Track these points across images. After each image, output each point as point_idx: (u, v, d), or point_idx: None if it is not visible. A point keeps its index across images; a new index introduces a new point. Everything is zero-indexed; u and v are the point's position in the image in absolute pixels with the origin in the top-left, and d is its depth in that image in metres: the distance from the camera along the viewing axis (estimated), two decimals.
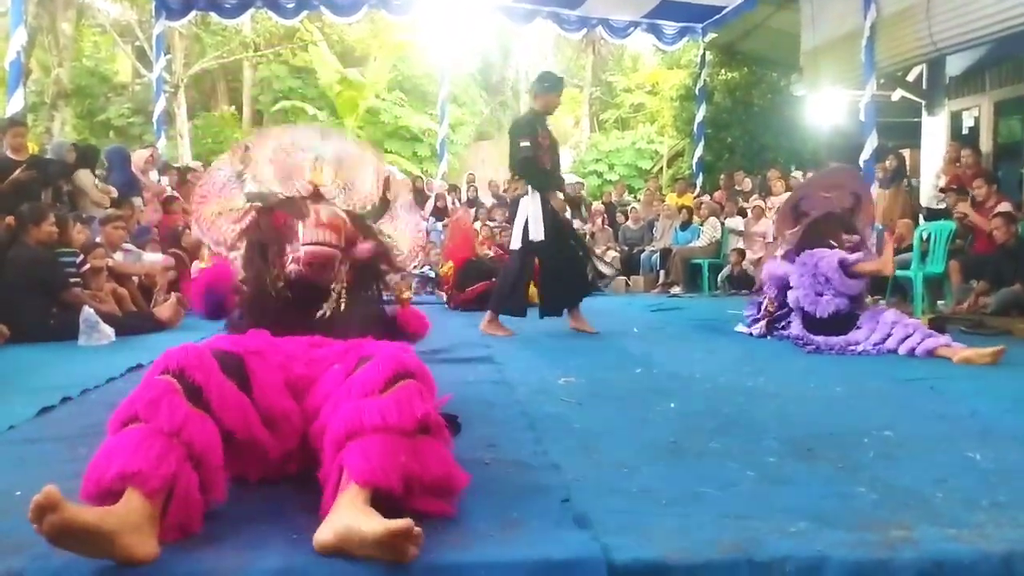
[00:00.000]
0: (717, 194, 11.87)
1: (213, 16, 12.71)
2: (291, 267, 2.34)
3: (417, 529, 1.44)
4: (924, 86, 10.55)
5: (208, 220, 2.65)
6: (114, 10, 19.72)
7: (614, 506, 1.84)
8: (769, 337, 5.39)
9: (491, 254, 9.21)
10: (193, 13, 12.08)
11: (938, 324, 5.24)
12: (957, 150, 8.65)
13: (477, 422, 2.64)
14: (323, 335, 2.23)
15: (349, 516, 1.51)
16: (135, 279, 6.66)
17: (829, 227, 5.33)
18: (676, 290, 10.39)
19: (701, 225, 11.00)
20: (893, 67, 9.50)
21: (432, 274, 10.18)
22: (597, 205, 13.05)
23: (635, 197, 14.84)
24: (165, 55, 12.89)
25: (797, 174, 11.30)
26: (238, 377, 1.84)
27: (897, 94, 10.92)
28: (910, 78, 10.60)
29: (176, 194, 9.03)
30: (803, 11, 10.65)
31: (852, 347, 4.75)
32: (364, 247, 2.50)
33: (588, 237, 10.74)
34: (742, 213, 10.90)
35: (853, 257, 4.95)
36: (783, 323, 5.36)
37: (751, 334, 5.55)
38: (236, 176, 2.64)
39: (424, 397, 1.80)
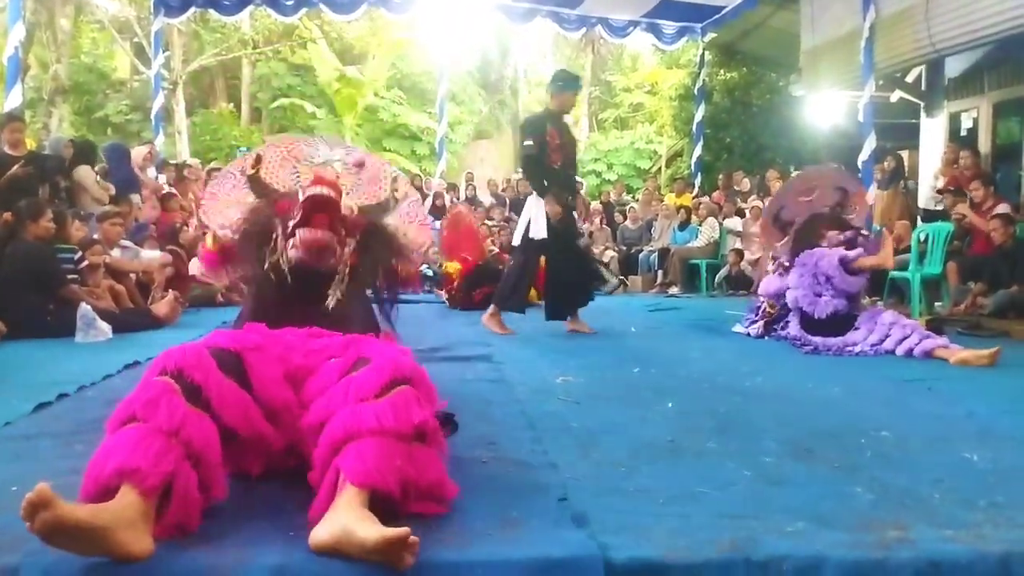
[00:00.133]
0: (715, 194, 11.88)
1: (212, 13, 12.71)
2: (292, 252, 2.32)
3: (413, 538, 1.43)
4: (923, 87, 10.55)
5: (215, 209, 2.70)
6: (112, 6, 19.67)
7: (612, 505, 1.84)
8: (767, 338, 5.39)
9: (496, 249, 9.16)
10: (192, 10, 12.06)
11: (936, 325, 5.25)
12: (955, 151, 8.65)
13: (476, 421, 2.64)
14: (323, 323, 2.24)
15: (347, 519, 1.51)
16: (132, 276, 6.65)
17: (815, 229, 5.34)
18: (674, 290, 10.40)
19: (699, 225, 11.01)
20: (892, 68, 9.50)
21: (430, 272, 10.17)
22: (596, 205, 13.04)
23: (633, 197, 14.85)
24: (164, 52, 12.90)
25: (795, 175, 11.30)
26: (237, 373, 1.84)
27: (896, 95, 10.92)
28: (909, 79, 10.60)
29: (174, 191, 9.02)
30: (802, 11, 10.65)
31: (850, 348, 4.75)
32: (359, 218, 2.51)
33: (587, 237, 10.73)
34: (740, 213, 10.91)
35: (853, 253, 4.96)
36: (781, 324, 5.37)
37: (749, 334, 5.56)
38: (247, 178, 2.68)
39: (421, 404, 1.80)
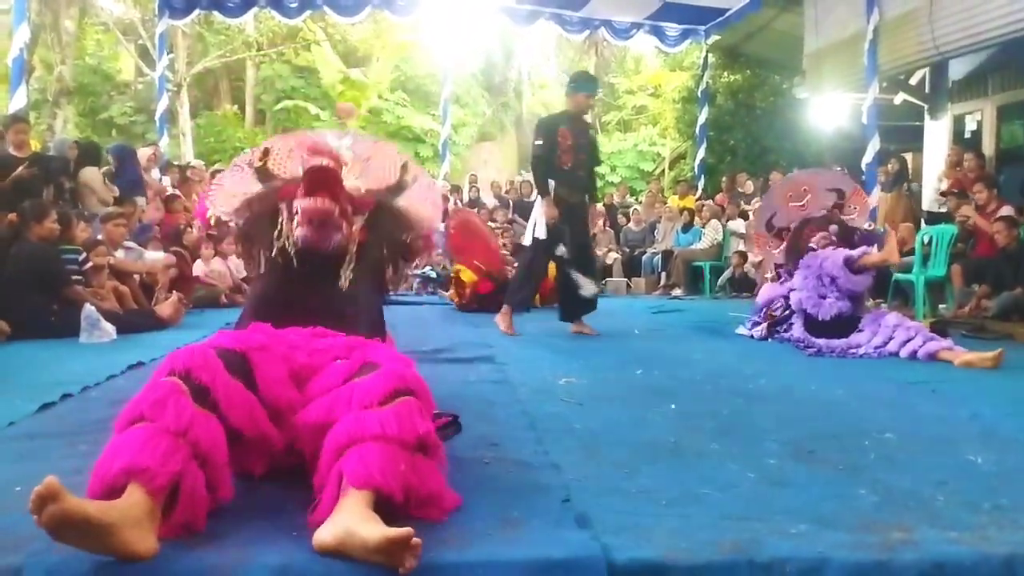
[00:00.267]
0: (719, 196, 11.87)
1: (216, 15, 12.72)
2: (297, 232, 2.32)
3: (416, 540, 1.43)
4: (927, 90, 10.54)
5: (221, 197, 2.70)
6: (117, 8, 19.71)
7: (614, 506, 1.84)
8: (770, 339, 5.38)
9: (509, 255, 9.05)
10: (196, 12, 12.10)
11: (940, 327, 5.24)
12: (959, 154, 8.64)
13: (478, 422, 2.64)
14: (329, 317, 2.24)
15: (351, 519, 1.51)
16: (136, 277, 6.66)
17: (809, 232, 5.35)
18: (677, 292, 10.39)
19: (703, 227, 11.00)
20: (896, 71, 9.50)
21: (433, 274, 10.17)
22: (599, 207, 13.04)
23: (637, 199, 14.84)
24: (168, 54, 12.92)
25: None
26: (243, 374, 1.84)
27: (899, 98, 10.91)
28: (913, 82, 10.59)
29: (178, 192, 9.04)
30: (806, 14, 10.65)
31: (853, 350, 4.74)
32: (367, 196, 2.52)
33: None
34: (744, 216, 10.89)
35: (857, 252, 4.95)
36: (784, 325, 5.36)
37: (752, 336, 5.55)
38: (254, 170, 2.67)
39: (424, 415, 1.80)
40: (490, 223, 11.30)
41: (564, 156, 5.56)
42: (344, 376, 1.91)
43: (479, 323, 6.28)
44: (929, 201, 9.56)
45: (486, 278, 7.46)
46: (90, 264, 5.86)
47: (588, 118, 5.94)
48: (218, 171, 9.52)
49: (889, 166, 9.37)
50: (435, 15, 13.24)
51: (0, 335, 4.94)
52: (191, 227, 8.04)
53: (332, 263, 2.38)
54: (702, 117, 13.07)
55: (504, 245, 9.60)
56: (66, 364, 4.04)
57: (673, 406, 3.10)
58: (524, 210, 12.02)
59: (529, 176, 16.05)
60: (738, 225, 10.71)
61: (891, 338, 4.69)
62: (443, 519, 1.70)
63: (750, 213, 10.59)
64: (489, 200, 12.97)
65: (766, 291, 5.81)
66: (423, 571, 1.45)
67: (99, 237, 6.34)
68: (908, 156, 10.38)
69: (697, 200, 12.04)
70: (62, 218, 5.74)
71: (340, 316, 2.28)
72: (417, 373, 1.92)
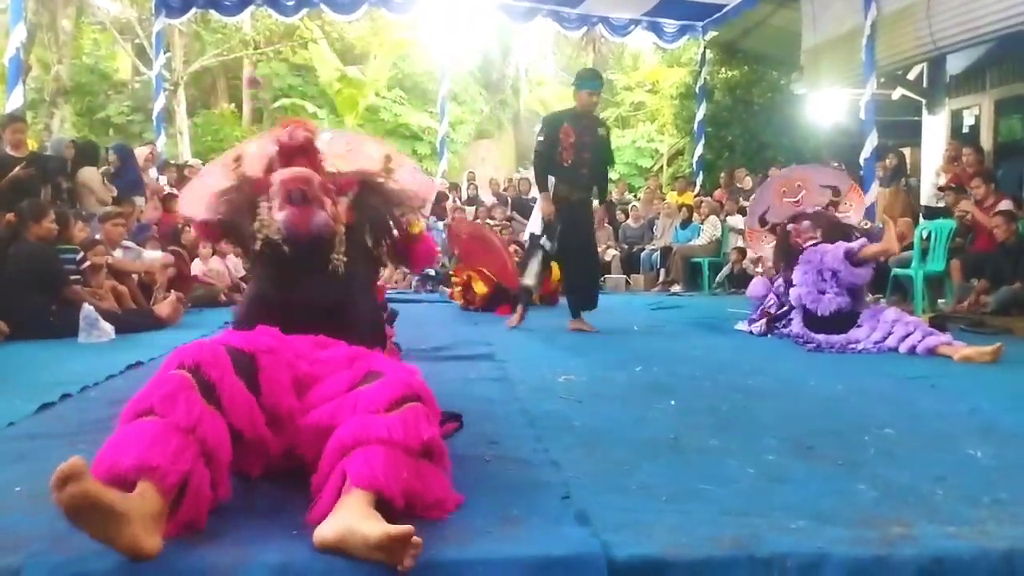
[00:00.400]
0: (717, 193, 11.87)
1: (213, 13, 12.73)
2: (279, 217, 2.21)
3: (417, 538, 1.43)
4: (924, 85, 10.54)
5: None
6: (114, 7, 19.67)
7: (614, 503, 1.84)
8: (769, 335, 5.39)
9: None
10: (193, 10, 12.08)
11: (939, 323, 5.24)
12: (957, 149, 8.64)
13: (478, 419, 2.64)
14: (327, 313, 2.21)
15: (352, 516, 1.51)
16: (135, 276, 6.65)
17: (796, 230, 5.37)
18: (676, 288, 10.40)
19: (701, 224, 11.00)
20: (893, 66, 9.49)
21: (432, 272, 10.17)
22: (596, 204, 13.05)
23: (635, 196, 14.84)
24: (165, 52, 12.89)
25: None
26: (247, 375, 1.83)
27: (897, 93, 10.90)
28: (911, 76, 10.59)
29: (176, 191, 9.03)
30: (804, 9, 10.64)
31: (853, 345, 4.75)
32: (351, 175, 2.42)
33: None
34: (742, 211, 10.87)
35: (857, 244, 4.95)
36: (783, 321, 5.36)
37: (751, 332, 5.55)
38: (229, 173, 2.55)
39: (430, 421, 1.80)
40: (488, 220, 11.31)
41: (565, 153, 5.56)
42: (349, 384, 1.90)
43: (479, 321, 6.29)
44: (927, 196, 9.56)
45: (497, 291, 7.27)
46: (88, 263, 5.86)
47: (601, 116, 5.95)
48: None
49: (887, 161, 9.37)
50: (432, 12, 13.23)
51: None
52: (189, 226, 8.03)
53: (322, 251, 2.27)
54: (700, 113, 13.07)
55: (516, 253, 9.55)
56: (65, 364, 4.04)
57: (672, 402, 3.10)
58: (522, 207, 12.04)
59: (527, 173, 16.08)
60: (737, 221, 10.71)
61: (890, 333, 4.69)
62: (443, 517, 1.70)
63: (748, 209, 10.60)
64: (487, 198, 12.97)
65: (756, 285, 5.83)
66: (423, 569, 1.45)
67: (97, 237, 6.34)
68: (906, 151, 10.39)
69: (696, 196, 12.04)
70: (60, 218, 5.74)
71: (340, 321, 2.23)
72: (422, 381, 1.91)
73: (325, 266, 2.27)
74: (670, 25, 12.64)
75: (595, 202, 5.95)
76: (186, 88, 19.84)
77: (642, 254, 11.44)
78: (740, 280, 10.13)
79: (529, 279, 5.78)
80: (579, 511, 1.74)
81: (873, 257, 5.00)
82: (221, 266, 8.20)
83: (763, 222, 5.79)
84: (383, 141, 2.84)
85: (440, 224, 11.57)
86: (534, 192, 12.14)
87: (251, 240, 2.32)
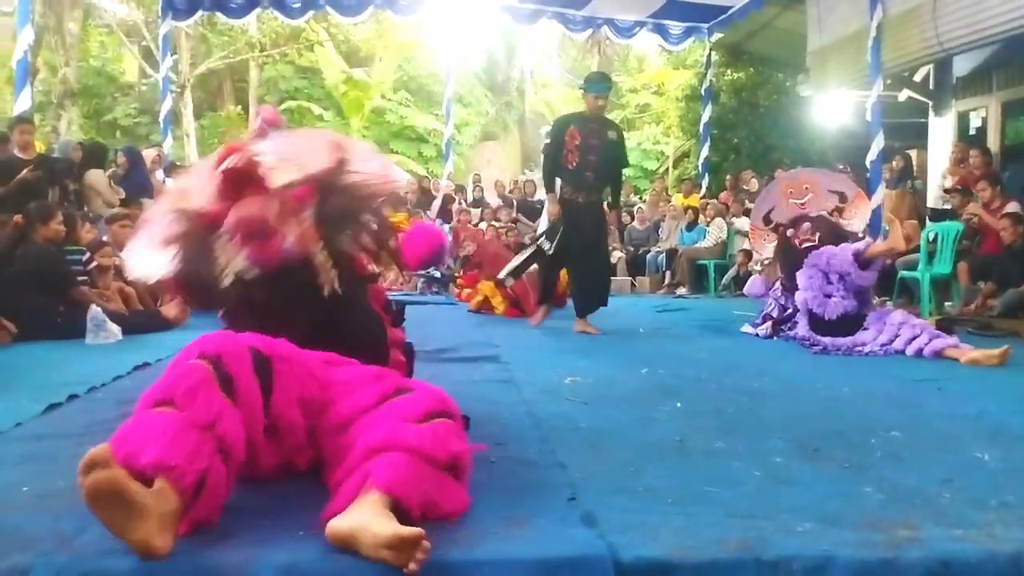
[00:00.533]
0: (723, 195, 11.85)
1: (219, 16, 12.73)
2: (239, 259, 2.01)
3: (426, 543, 1.43)
4: (931, 86, 10.51)
5: (139, 254, 2.25)
6: (121, 10, 19.75)
7: (620, 505, 1.84)
8: (775, 338, 5.37)
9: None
10: (199, 13, 12.08)
11: (945, 325, 5.23)
12: (963, 151, 8.62)
13: (483, 421, 2.63)
14: (326, 335, 2.13)
15: (367, 514, 1.51)
16: None
17: (795, 233, 5.37)
18: (682, 291, 10.38)
19: (707, 226, 10.98)
20: (900, 67, 9.46)
21: (437, 274, 10.18)
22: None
23: (641, 198, 14.82)
24: (171, 55, 12.93)
25: None
26: (263, 378, 1.81)
27: (904, 94, 10.88)
28: (917, 78, 10.56)
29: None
30: (809, 11, 10.62)
31: (859, 348, 4.73)
32: (303, 184, 2.11)
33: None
34: (748, 214, 10.83)
35: (863, 244, 4.95)
36: (789, 324, 5.35)
37: (757, 335, 5.54)
38: (178, 218, 2.21)
39: (460, 437, 1.81)
40: (494, 222, 11.32)
41: (569, 155, 5.62)
42: (379, 398, 1.89)
43: (484, 323, 6.29)
44: (933, 198, 9.54)
45: (514, 307, 7.12)
46: (95, 265, 5.88)
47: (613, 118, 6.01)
48: None
49: (894, 163, 9.35)
50: (438, 14, 13.23)
51: (6, 336, 4.95)
52: None
53: (304, 279, 2.07)
54: (706, 115, 13.04)
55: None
56: (72, 365, 4.05)
57: (678, 404, 3.10)
58: (528, 210, 12.05)
59: (532, 175, 16.10)
60: (742, 223, 10.67)
61: (897, 336, 4.68)
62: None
63: (754, 206, 10.57)
64: (493, 200, 12.97)
65: (754, 283, 5.84)
66: (430, 570, 1.45)
67: (105, 238, 6.36)
68: (912, 153, 10.36)
69: (701, 198, 12.03)
70: (67, 219, 5.76)
71: (334, 340, 2.13)
72: (452, 400, 1.91)
73: (314, 293, 2.07)
74: (676, 27, 12.61)
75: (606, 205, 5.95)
76: (193, 90, 19.91)
77: (647, 256, 11.43)
78: (746, 282, 10.11)
79: (504, 272, 6.07)
80: (585, 512, 1.74)
81: (879, 256, 4.99)
82: None
83: (767, 221, 5.78)
84: (326, 131, 2.59)
85: (446, 227, 11.59)
86: (540, 194, 12.22)
87: (217, 288, 2.05)
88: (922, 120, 10.87)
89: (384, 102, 20.77)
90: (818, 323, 5.00)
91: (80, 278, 5.66)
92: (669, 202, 12.42)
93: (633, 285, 11.13)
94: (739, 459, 2.27)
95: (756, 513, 1.79)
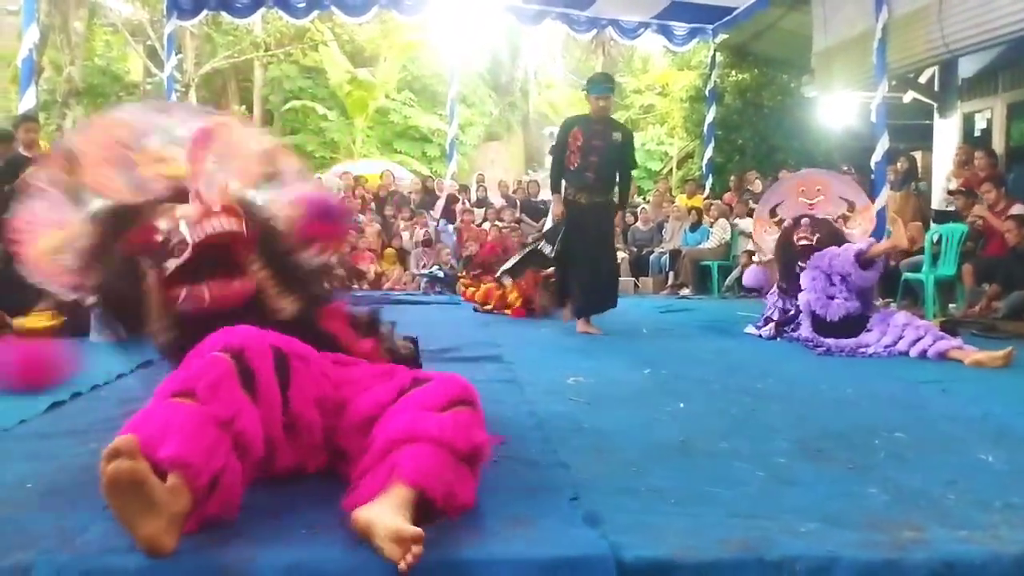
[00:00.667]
0: (727, 196, 11.84)
1: (224, 16, 12.76)
2: (183, 304, 1.92)
3: (417, 546, 1.42)
4: (936, 88, 10.50)
5: (43, 260, 2.04)
6: (126, 9, 19.78)
7: (623, 505, 1.83)
8: (779, 339, 5.36)
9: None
10: (204, 12, 12.12)
11: (949, 327, 5.21)
12: (968, 152, 8.60)
13: (486, 421, 2.63)
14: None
15: (387, 507, 1.52)
16: None
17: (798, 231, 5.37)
18: (685, 292, 10.38)
19: (711, 227, 10.97)
20: (905, 69, 9.46)
21: (441, 274, 10.19)
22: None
23: (644, 198, 14.81)
24: (176, 54, 12.95)
25: None
26: (281, 376, 1.80)
27: (909, 96, 10.86)
28: (922, 80, 10.54)
29: None
30: (814, 12, 10.61)
31: (863, 349, 4.72)
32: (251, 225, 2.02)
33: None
34: (752, 214, 10.84)
35: (865, 244, 4.95)
36: (792, 325, 5.34)
37: (760, 336, 5.53)
38: (67, 193, 2.06)
39: (480, 426, 1.81)
40: (497, 223, 11.32)
41: (572, 156, 5.68)
42: (397, 392, 1.88)
43: (487, 322, 6.29)
44: (938, 200, 9.51)
45: (522, 308, 7.09)
46: None
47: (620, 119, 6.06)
48: None
49: (898, 165, 9.33)
50: (442, 15, 13.24)
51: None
52: None
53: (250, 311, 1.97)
54: (710, 116, 13.04)
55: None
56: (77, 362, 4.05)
57: (682, 405, 3.09)
58: (532, 210, 12.05)
59: (535, 175, 16.09)
60: (746, 224, 10.66)
61: (901, 337, 4.67)
62: (454, 518, 1.71)
63: (762, 197, 10.54)
64: (496, 200, 12.98)
65: (752, 274, 5.85)
66: (433, 569, 1.45)
67: None
68: (917, 155, 10.34)
69: (705, 199, 12.02)
70: None
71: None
72: (473, 387, 1.90)
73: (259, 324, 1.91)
74: (680, 28, 12.61)
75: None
76: (197, 90, 19.93)
77: (651, 257, 11.42)
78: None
79: (500, 270, 6.30)
80: (588, 512, 1.74)
81: (882, 254, 4.98)
82: None
83: (773, 213, 5.79)
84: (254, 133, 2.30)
85: (450, 227, 11.59)
86: (543, 194, 12.22)
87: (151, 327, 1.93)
88: (927, 122, 10.85)
89: (388, 102, 20.80)
90: (821, 324, 4.99)
91: None
92: (673, 203, 12.41)
93: (636, 286, 11.13)
94: (742, 459, 2.27)
95: (759, 513, 1.78)
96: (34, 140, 6.98)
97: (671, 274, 10.97)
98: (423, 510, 1.58)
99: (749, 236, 10.43)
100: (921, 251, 7.12)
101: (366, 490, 1.61)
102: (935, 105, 10.50)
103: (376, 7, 11.64)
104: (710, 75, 13.23)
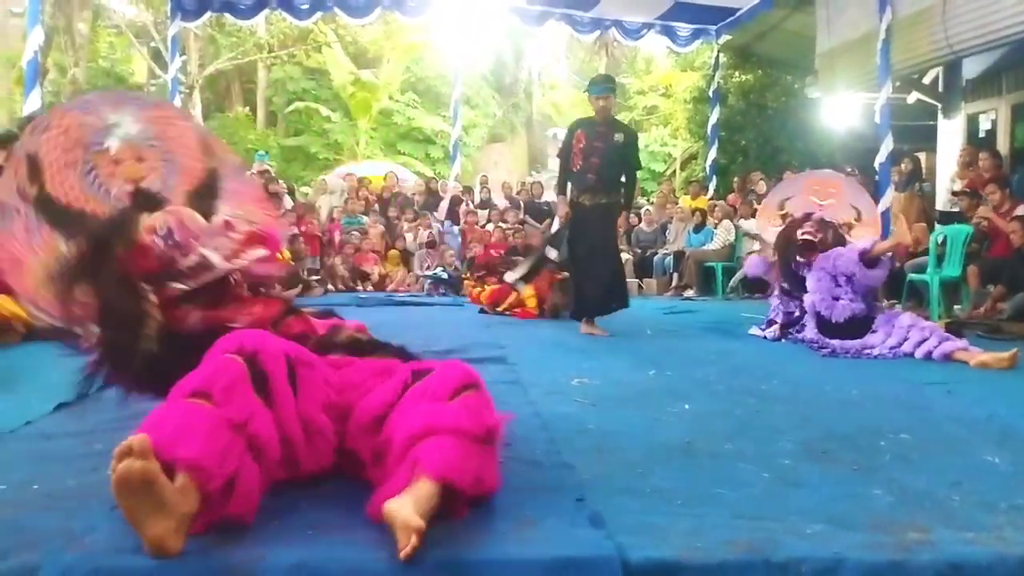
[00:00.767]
0: (731, 197, 11.83)
1: (228, 17, 12.76)
2: (191, 321, 1.94)
3: (415, 538, 1.44)
4: (940, 89, 10.48)
5: (39, 295, 1.98)
6: (130, 11, 19.85)
7: (628, 506, 1.83)
8: (783, 340, 5.36)
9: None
10: (208, 14, 12.13)
11: (955, 328, 5.20)
12: (972, 153, 8.58)
13: None
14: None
15: (409, 499, 1.53)
16: None
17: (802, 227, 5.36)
18: (689, 293, 10.37)
19: (714, 228, 10.96)
20: (909, 70, 9.44)
21: (445, 276, 10.19)
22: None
23: (648, 200, 14.81)
24: (180, 56, 12.97)
25: None
26: (291, 381, 1.81)
27: (913, 97, 10.85)
28: (926, 81, 10.53)
29: None
30: (818, 13, 10.60)
31: (868, 351, 4.71)
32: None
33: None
34: (756, 215, 10.84)
35: (868, 243, 4.94)
36: (797, 326, 5.33)
37: (765, 337, 5.52)
38: (35, 207, 1.97)
39: (490, 407, 1.83)
40: (501, 224, 11.33)
41: (574, 158, 5.75)
42: (400, 388, 1.89)
43: (491, 324, 6.29)
44: (942, 201, 9.50)
45: (536, 310, 7.06)
46: None
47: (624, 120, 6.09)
48: None
49: (902, 166, 9.31)
50: (445, 16, 13.25)
51: (15, 335, 4.97)
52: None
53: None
54: (713, 117, 13.02)
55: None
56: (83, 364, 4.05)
57: (686, 406, 3.09)
58: (535, 211, 12.05)
59: (539, 177, 16.09)
60: (750, 225, 10.65)
61: (906, 338, 4.66)
62: (459, 518, 1.71)
63: (773, 189, 10.51)
64: (500, 201, 12.98)
65: (752, 263, 5.85)
66: (438, 569, 1.46)
67: None
68: (921, 156, 10.32)
69: (709, 200, 12.01)
70: None
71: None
72: (473, 369, 1.93)
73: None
74: (684, 29, 12.59)
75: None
76: (201, 91, 19.98)
77: (655, 258, 11.42)
78: (754, 285, 10.08)
79: (510, 276, 6.40)
80: (593, 513, 1.74)
81: (885, 252, 4.97)
82: None
83: (780, 207, 5.79)
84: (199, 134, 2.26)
85: (455, 228, 11.59)
86: (547, 196, 12.22)
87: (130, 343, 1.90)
88: (931, 123, 10.84)
89: (392, 103, 20.83)
90: (826, 326, 4.98)
91: None
92: (677, 204, 12.40)
93: (640, 287, 11.12)
94: (747, 461, 2.27)
95: (765, 515, 1.78)
96: None
97: (675, 275, 10.96)
98: (450, 501, 1.60)
99: (753, 237, 10.44)
100: (925, 252, 7.11)
101: (393, 486, 1.62)
102: (939, 106, 10.48)
103: (379, 8, 11.65)
104: (714, 76, 13.22)
